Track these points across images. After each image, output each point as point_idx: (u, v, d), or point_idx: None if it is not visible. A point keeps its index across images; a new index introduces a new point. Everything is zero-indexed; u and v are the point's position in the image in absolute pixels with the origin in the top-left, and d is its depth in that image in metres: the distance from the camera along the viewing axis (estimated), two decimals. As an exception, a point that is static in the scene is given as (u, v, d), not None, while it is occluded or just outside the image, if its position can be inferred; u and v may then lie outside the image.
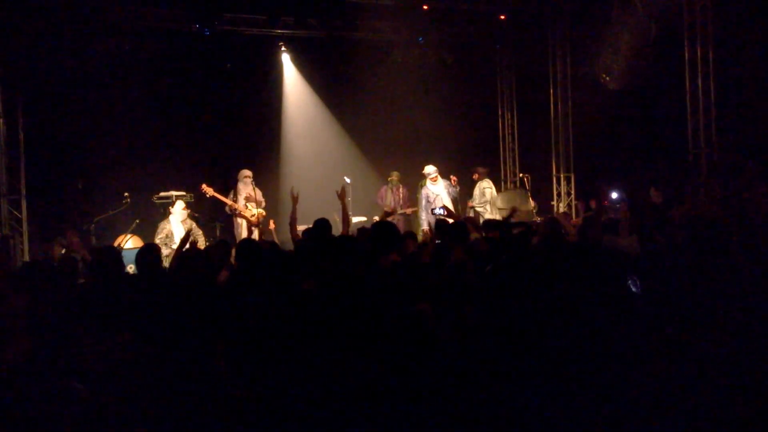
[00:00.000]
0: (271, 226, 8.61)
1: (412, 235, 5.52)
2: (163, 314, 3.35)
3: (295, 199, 5.54)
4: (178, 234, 7.78)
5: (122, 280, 3.86)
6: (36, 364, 2.00)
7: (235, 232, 8.84)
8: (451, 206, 8.73)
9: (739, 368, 2.20)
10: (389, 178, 9.95)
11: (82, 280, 4.30)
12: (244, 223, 8.72)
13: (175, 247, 7.55)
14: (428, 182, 9.45)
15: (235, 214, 8.76)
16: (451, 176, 9.62)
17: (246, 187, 8.71)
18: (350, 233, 5.25)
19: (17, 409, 1.82)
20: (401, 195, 9.88)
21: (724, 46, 8.31)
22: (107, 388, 1.96)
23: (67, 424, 1.82)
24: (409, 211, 9.90)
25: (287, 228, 5.60)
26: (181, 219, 7.90)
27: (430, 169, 9.48)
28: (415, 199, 9.92)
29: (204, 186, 8.45)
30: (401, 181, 9.97)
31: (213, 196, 8.51)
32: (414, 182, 10.05)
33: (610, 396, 2.14)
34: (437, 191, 9.38)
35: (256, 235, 6.79)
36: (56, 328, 2.47)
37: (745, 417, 2.05)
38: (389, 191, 9.86)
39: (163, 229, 7.81)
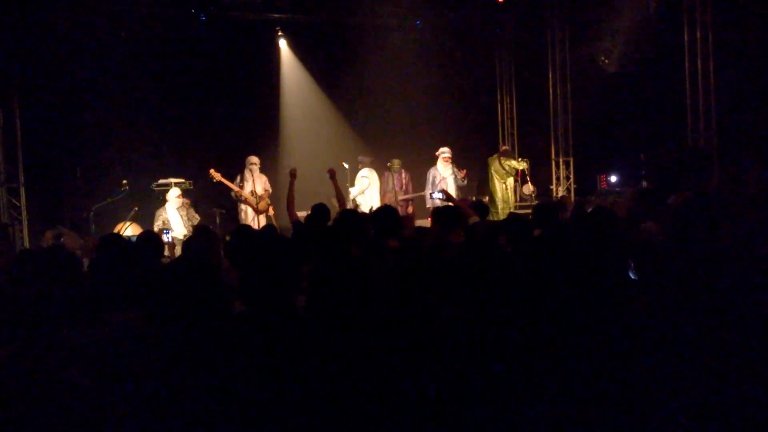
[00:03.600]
0: (270, 212, 8.62)
1: (408, 219, 5.51)
2: (164, 300, 3.35)
3: (293, 177, 5.46)
4: (175, 221, 7.80)
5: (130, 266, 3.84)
6: (32, 355, 2.00)
7: (240, 218, 8.84)
8: (454, 192, 8.68)
9: (737, 361, 2.19)
10: (389, 165, 9.89)
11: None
12: (248, 210, 8.71)
13: (172, 234, 7.58)
14: (440, 162, 9.38)
15: (240, 200, 8.75)
16: (463, 169, 9.51)
17: (252, 174, 8.66)
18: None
19: (14, 402, 1.81)
20: (403, 180, 9.82)
21: (724, 29, 8.26)
22: (108, 376, 1.96)
23: (68, 414, 1.82)
24: (410, 196, 9.83)
25: (286, 214, 5.55)
26: (176, 206, 7.90)
27: (444, 149, 9.39)
28: (416, 184, 9.84)
29: (212, 171, 8.41)
30: (402, 166, 9.89)
31: (220, 182, 8.49)
32: (414, 166, 10.01)
33: (610, 389, 2.13)
34: (445, 174, 9.32)
35: (263, 221, 6.79)
36: (54, 317, 2.47)
37: (745, 413, 2.04)
38: (390, 177, 9.76)
39: (159, 216, 7.83)
